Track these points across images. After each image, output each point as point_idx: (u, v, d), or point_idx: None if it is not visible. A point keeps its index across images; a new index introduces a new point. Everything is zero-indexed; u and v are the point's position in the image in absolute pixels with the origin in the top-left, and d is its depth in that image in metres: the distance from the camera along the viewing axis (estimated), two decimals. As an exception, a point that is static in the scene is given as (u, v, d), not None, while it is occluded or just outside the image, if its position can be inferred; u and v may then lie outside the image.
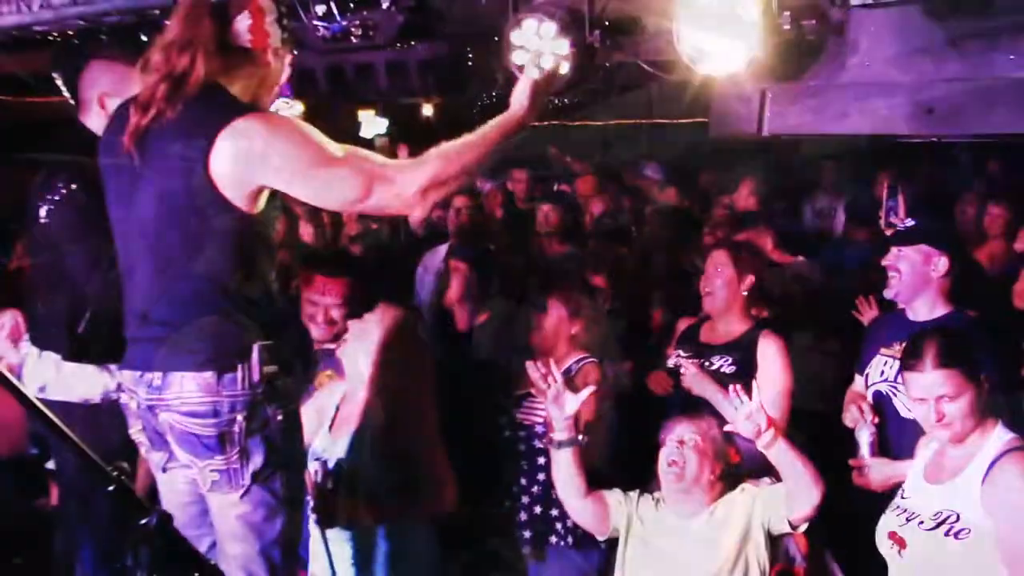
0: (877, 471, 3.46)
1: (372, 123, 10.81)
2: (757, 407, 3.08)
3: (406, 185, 2.47)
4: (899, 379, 3.53)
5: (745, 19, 3.71)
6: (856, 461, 3.52)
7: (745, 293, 3.93)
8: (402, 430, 3.29)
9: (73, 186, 3.13)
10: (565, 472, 3.33)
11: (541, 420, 3.62)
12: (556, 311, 3.84)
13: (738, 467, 3.38)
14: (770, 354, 3.80)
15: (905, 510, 2.82)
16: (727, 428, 3.23)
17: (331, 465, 3.23)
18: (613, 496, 3.39)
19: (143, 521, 1.99)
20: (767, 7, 3.75)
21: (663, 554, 3.28)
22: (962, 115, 3.72)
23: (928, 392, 2.71)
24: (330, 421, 3.48)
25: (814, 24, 3.85)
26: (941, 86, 3.72)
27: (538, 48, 4.24)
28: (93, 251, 2.98)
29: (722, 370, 3.84)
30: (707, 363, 3.87)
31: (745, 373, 3.72)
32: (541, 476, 3.65)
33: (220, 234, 2.50)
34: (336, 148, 2.50)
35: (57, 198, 3.16)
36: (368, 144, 12.60)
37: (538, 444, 3.65)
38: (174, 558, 2.04)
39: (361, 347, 3.36)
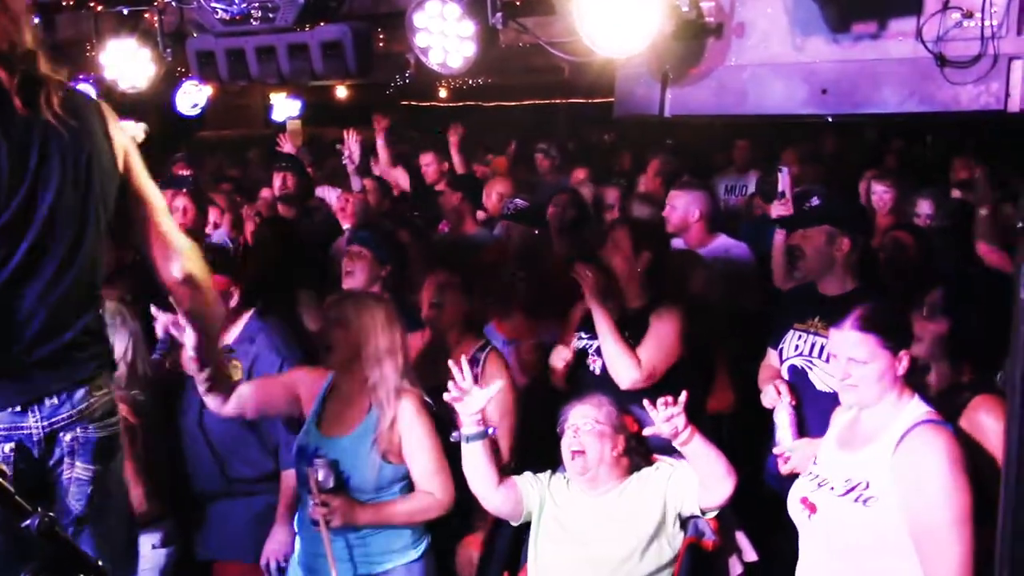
0: (801, 454, 3.52)
1: (284, 105, 10.67)
2: (678, 411, 3.09)
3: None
4: (814, 353, 3.63)
5: (645, 1, 3.73)
6: (779, 450, 3.57)
7: (640, 270, 3.93)
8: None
9: None
10: (476, 465, 3.30)
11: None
12: (451, 289, 3.81)
13: (640, 437, 3.39)
14: (663, 318, 3.82)
15: (816, 476, 2.85)
16: (646, 432, 3.24)
17: (331, 463, 3.23)
18: (524, 480, 3.40)
19: (24, 523, 1.93)
20: (666, -11, 3.78)
21: (575, 532, 3.29)
22: (854, 94, 3.82)
23: (839, 350, 2.75)
24: (317, 416, 3.44)
25: (712, 7, 3.91)
26: (834, 67, 3.82)
27: (441, 30, 4.23)
28: None
29: None
30: None
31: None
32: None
33: (105, 224, 2.41)
34: None
35: None
36: (280, 127, 12.43)
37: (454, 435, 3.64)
38: (60, 560, 1.99)
39: (346, 336, 3.33)
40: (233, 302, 3.90)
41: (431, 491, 3.31)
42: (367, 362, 3.30)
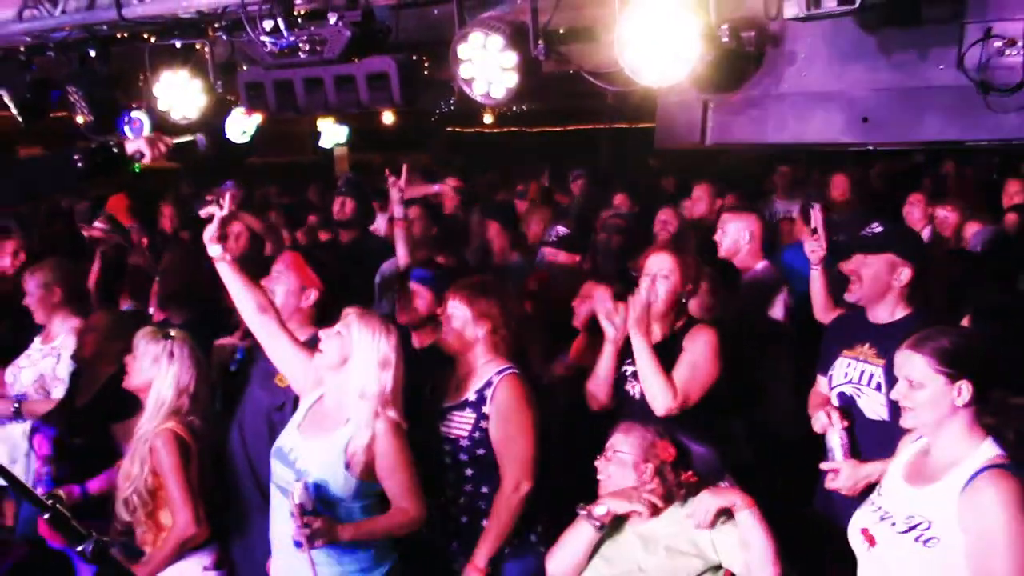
0: (848, 475, 3.50)
1: (332, 132, 10.78)
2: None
3: None
4: (863, 381, 3.60)
5: (685, 31, 3.76)
6: (829, 466, 3.55)
7: (684, 300, 3.95)
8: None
9: None
10: (580, 546, 3.26)
11: (465, 433, 3.64)
12: (460, 311, 3.74)
13: (678, 463, 3.37)
14: (697, 339, 3.82)
15: (880, 508, 2.81)
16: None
17: (311, 485, 3.25)
18: None
19: (80, 548, 2.01)
20: (706, 20, 3.81)
21: (615, 559, 3.28)
22: (895, 123, 3.80)
23: (898, 371, 2.74)
24: (300, 419, 3.51)
25: (752, 36, 3.93)
26: (875, 95, 3.81)
27: (484, 61, 4.31)
28: None
29: None
30: None
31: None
32: (468, 487, 3.67)
33: None
34: None
35: None
36: (327, 154, 12.58)
37: (463, 456, 3.66)
38: (113, 583, 2.06)
39: (334, 353, 3.38)
40: (308, 301, 3.93)
41: (406, 507, 3.36)
42: (351, 374, 3.34)
